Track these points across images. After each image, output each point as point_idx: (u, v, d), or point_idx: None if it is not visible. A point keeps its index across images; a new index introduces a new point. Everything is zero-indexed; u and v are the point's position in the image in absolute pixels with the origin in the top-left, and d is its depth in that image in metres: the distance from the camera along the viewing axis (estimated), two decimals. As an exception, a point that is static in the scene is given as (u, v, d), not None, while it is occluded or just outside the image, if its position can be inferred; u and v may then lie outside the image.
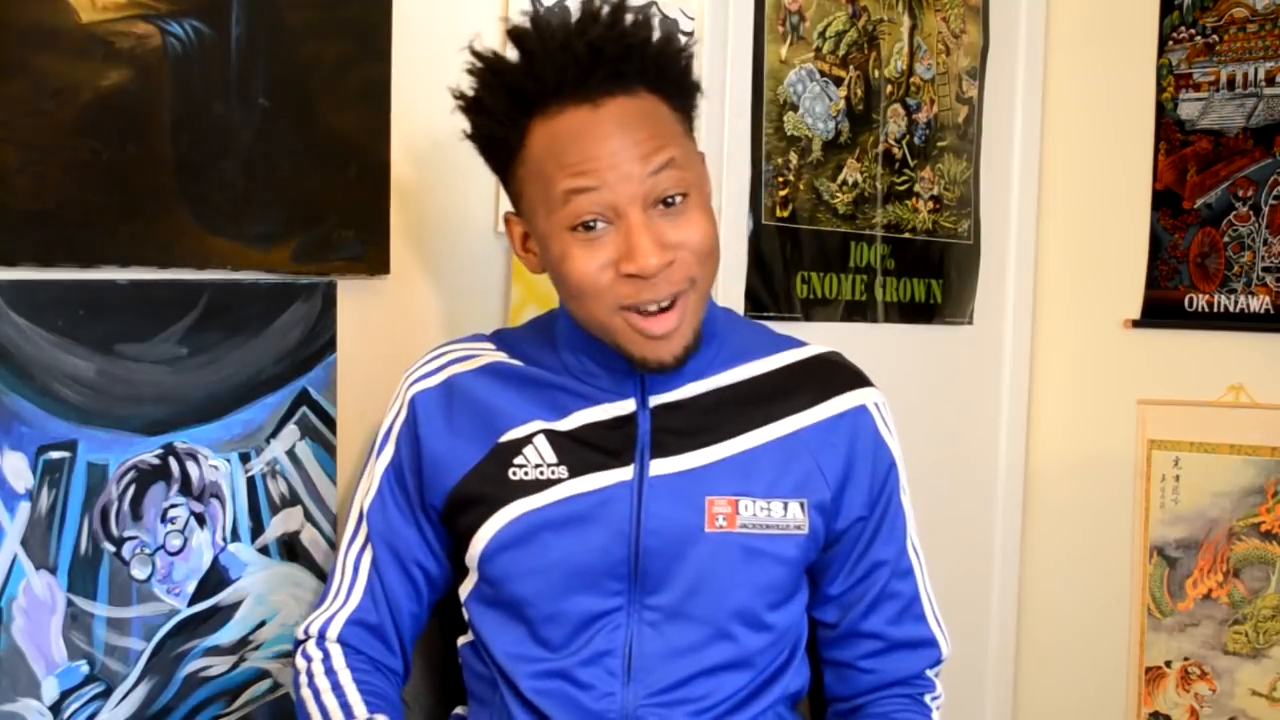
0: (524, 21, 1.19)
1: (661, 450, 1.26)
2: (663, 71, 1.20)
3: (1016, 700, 2.58)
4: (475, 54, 1.22)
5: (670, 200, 1.18)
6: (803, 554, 1.29)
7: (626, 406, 1.27)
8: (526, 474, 1.25)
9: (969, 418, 2.47)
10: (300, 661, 1.31)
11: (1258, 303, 2.28)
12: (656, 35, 1.20)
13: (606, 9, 1.18)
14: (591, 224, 1.17)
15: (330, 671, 1.28)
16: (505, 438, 1.27)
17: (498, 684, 1.28)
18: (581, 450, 1.26)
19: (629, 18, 1.18)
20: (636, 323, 1.20)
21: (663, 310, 1.19)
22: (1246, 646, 2.30)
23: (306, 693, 1.27)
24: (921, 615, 1.36)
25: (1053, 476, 2.55)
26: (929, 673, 1.37)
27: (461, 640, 1.36)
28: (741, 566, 1.25)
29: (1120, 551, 2.43)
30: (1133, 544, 2.41)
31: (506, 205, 1.66)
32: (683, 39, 1.24)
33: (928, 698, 1.36)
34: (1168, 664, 2.38)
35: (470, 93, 1.22)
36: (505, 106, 1.19)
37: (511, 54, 1.21)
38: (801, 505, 1.27)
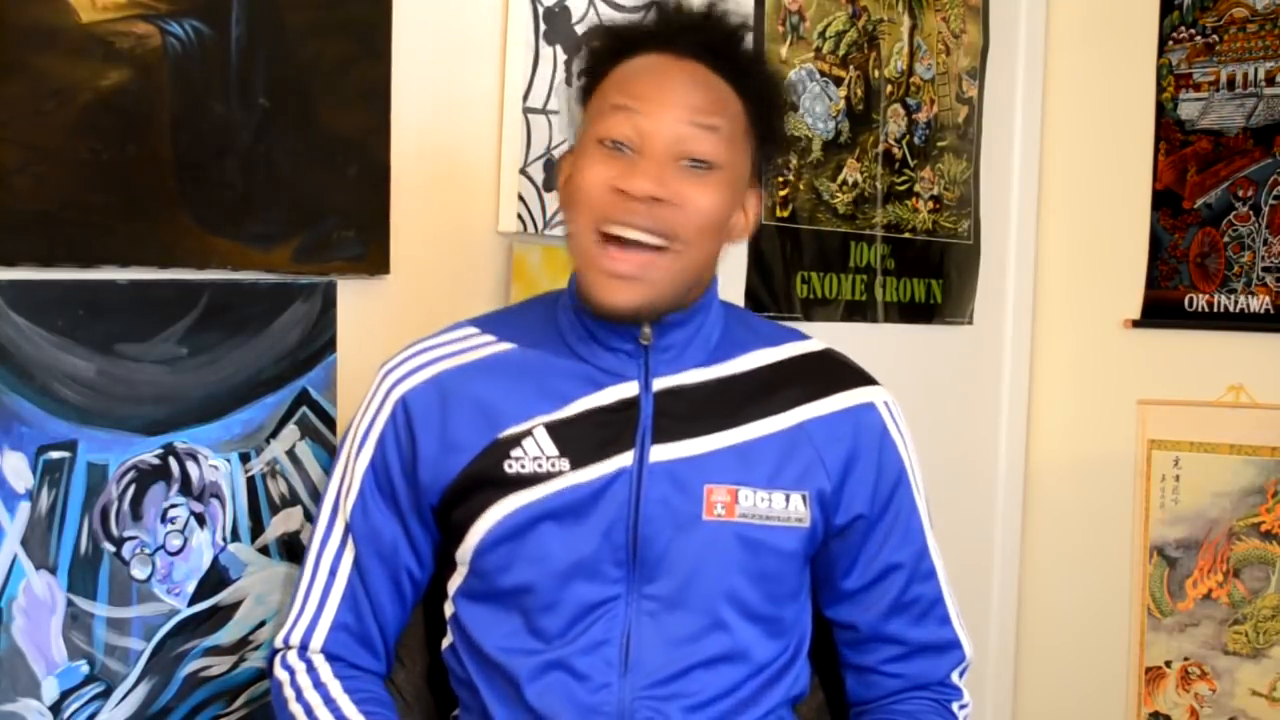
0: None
1: (662, 436, 1.26)
2: (750, 81, 1.25)
3: (1016, 700, 2.58)
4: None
5: (697, 162, 1.20)
6: (803, 547, 1.28)
7: (630, 389, 1.27)
8: (524, 467, 1.24)
9: (969, 418, 2.47)
10: (281, 673, 1.28)
11: (1258, 303, 2.28)
12: (756, 56, 1.29)
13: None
14: (619, 145, 1.20)
15: (319, 685, 1.25)
16: (504, 434, 1.26)
17: (477, 690, 1.27)
18: (583, 438, 1.25)
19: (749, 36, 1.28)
20: (600, 259, 1.20)
21: (628, 247, 1.19)
22: (1246, 646, 2.30)
23: (296, 708, 1.24)
24: (945, 618, 1.35)
25: (1053, 476, 2.55)
26: (954, 677, 1.36)
27: (444, 644, 1.34)
28: (738, 555, 1.25)
29: (1120, 551, 2.43)
30: (1133, 544, 2.41)
31: (507, 205, 1.67)
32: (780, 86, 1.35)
33: (955, 705, 1.35)
34: (1168, 664, 2.38)
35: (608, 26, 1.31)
36: (615, 41, 1.27)
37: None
38: (804, 498, 1.27)
